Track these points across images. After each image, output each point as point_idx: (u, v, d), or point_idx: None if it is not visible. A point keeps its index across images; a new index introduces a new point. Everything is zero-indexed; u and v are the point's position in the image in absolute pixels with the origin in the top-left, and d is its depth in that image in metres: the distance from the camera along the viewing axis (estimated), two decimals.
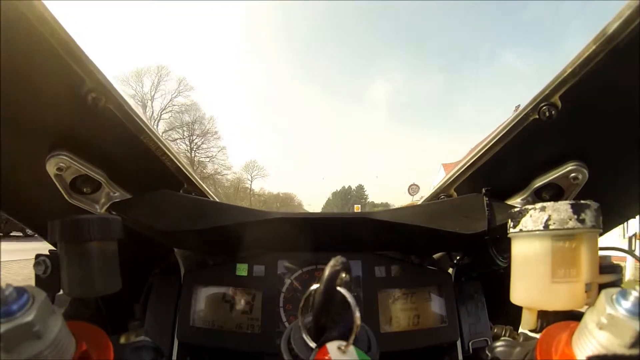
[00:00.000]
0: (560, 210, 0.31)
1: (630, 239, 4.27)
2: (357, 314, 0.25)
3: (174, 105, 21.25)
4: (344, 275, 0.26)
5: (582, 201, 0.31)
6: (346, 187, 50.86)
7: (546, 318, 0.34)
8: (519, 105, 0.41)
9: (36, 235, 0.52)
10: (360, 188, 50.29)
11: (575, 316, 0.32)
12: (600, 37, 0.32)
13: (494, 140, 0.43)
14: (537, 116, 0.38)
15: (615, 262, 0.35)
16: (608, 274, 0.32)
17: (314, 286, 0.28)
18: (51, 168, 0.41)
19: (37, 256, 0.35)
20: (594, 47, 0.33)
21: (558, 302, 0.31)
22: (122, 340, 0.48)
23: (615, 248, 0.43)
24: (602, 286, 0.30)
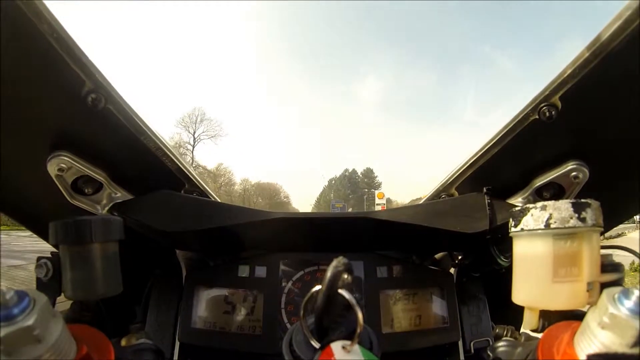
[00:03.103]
0: (561, 209, 0.31)
1: None
2: (360, 315, 0.25)
3: None
4: (346, 276, 0.26)
5: (582, 200, 0.31)
6: (350, 171, 38.30)
7: (548, 318, 0.34)
8: None
9: None
10: (369, 172, 37.88)
11: (577, 316, 0.32)
12: (600, 37, 0.32)
13: (495, 140, 0.43)
14: (537, 117, 0.38)
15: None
16: (610, 273, 0.32)
17: (316, 288, 0.28)
18: (52, 169, 0.41)
19: (39, 259, 0.34)
20: (593, 48, 0.33)
21: (560, 301, 0.31)
22: (123, 342, 0.48)
23: (617, 246, 0.43)
24: (604, 285, 0.30)
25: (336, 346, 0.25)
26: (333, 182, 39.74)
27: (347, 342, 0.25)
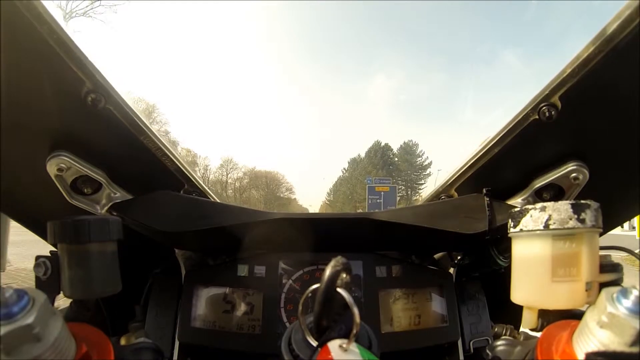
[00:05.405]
0: (560, 210, 0.31)
1: None
2: (357, 313, 0.25)
3: None
4: (344, 275, 0.26)
5: (582, 201, 0.31)
6: (382, 145, 26.34)
7: (547, 317, 0.34)
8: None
9: None
10: (409, 148, 25.88)
11: (575, 315, 0.32)
12: (600, 37, 0.32)
13: (494, 140, 0.43)
14: (537, 116, 0.38)
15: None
16: (609, 273, 0.32)
17: (313, 286, 0.28)
18: (52, 169, 0.41)
19: (37, 257, 0.34)
20: (593, 48, 0.33)
21: (558, 301, 0.31)
22: (123, 341, 0.48)
23: (616, 247, 0.43)
24: (602, 285, 0.30)
25: (333, 345, 0.25)
26: (358, 161, 27.64)
27: (345, 341, 0.25)
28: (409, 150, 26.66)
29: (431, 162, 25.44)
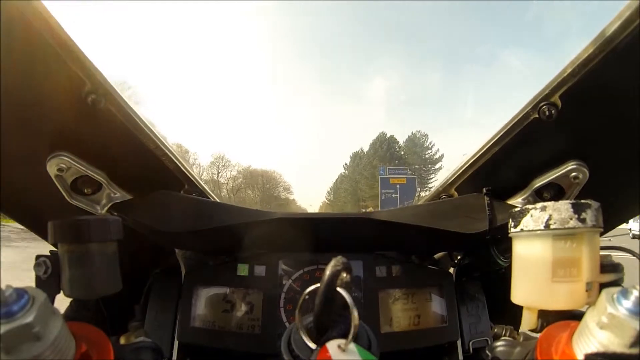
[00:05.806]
0: (560, 210, 0.31)
1: None
2: (355, 314, 0.25)
3: None
4: (344, 275, 0.26)
5: (582, 201, 0.31)
6: (387, 137, 23.52)
7: (546, 318, 0.34)
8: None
9: None
10: (417, 139, 23.49)
11: (575, 316, 0.32)
12: (600, 37, 0.32)
13: (494, 140, 0.43)
14: (537, 115, 0.38)
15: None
16: (609, 273, 0.32)
17: (312, 287, 0.28)
18: (52, 169, 0.41)
19: (38, 257, 0.34)
20: (594, 47, 0.33)
21: (558, 301, 0.31)
22: (122, 340, 0.48)
23: (616, 247, 0.43)
24: (603, 285, 0.30)
25: (332, 345, 0.25)
26: (361, 155, 24.92)
27: (343, 341, 0.25)
28: (417, 142, 24.03)
29: (442, 154, 22.96)
